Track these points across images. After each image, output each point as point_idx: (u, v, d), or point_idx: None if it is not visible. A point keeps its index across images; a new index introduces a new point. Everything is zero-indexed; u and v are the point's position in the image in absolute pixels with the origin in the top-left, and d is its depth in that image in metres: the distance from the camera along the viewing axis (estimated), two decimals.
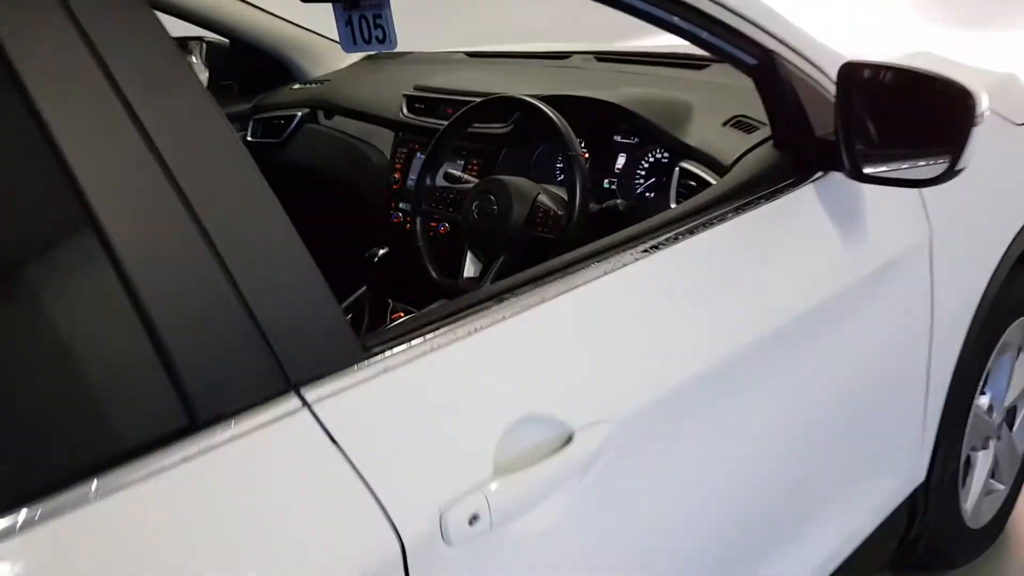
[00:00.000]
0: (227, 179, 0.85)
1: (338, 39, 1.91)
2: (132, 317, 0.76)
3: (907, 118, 1.31)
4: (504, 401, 1.00)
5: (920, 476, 1.83)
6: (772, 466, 1.37)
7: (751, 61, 1.42)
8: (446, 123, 2.00)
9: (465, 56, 2.54)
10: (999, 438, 2.22)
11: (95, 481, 0.74)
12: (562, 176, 1.98)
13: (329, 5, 1.86)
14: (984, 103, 1.24)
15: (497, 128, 2.05)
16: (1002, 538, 2.34)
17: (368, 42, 1.88)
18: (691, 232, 1.25)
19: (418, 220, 1.99)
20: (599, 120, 1.92)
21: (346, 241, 2.11)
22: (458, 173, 2.08)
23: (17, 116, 0.74)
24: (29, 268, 0.78)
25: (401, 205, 2.18)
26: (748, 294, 1.30)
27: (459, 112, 1.98)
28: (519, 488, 0.97)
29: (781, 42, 1.40)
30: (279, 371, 0.85)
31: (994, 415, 2.16)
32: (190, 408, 0.80)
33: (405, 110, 2.33)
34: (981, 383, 2.03)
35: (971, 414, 2.01)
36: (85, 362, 0.77)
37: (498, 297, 1.03)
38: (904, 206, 1.58)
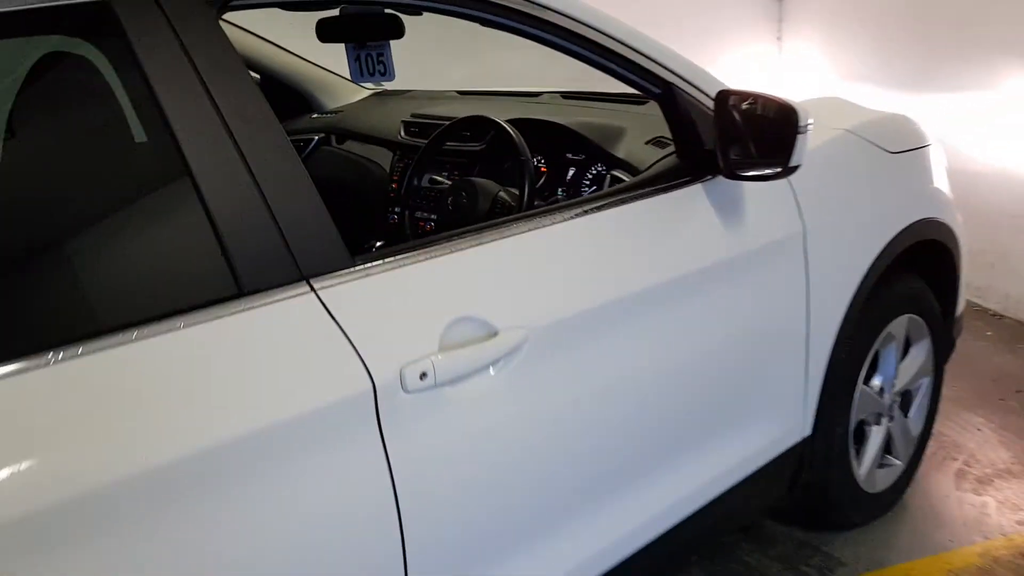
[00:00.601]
0: (271, 147, 1.33)
1: (349, 76, 2.41)
2: (209, 227, 1.24)
3: (762, 130, 1.78)
4: (450, 303, 1.46)
5: (806, 431, 2.25)
6: (656, 391, 1.80)
7: (656, 91, 1.90)
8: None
9: (456, 94, 3.04)
10: (892, 418, 2.64)
11: (182, 319, 1.21)
12: None
13: (342, 45, 2.37)
14: (805, 118, 1.71)
15: (474, 146, 2.53)
16: (899, 507, 2.75)
17: (372, 75, 2.37)
18: (602, 208, 1.72)
19: (406, 214, 2.47)
20: (556, 141, 2.40)
21: (352, 237, 2.58)
22: (439, 177, 2.56)
23: (159, 124, 1.24)
24: (161, 191, 1.28)
25: (396, 208, 2.66)
26: (645, 253, 1.76)
27: (443, 127, 2.47)
28: (455, 360, 1.42)
29: (677, 75, 1.88)
30: (296, 267, 1.32)
31: (885, 396, 2.59)
32: (239, 283, 1.26)
33: (402, 133, 2.84)
34: (867, 364, 2.46)
35: (857, 389, 2.44)
36: (185, 247, 1.26)
37: (453, 239, 1.50)
38: (781, 206, 2.04)
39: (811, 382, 2.22)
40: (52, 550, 1.05)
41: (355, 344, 1.33)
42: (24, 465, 1.05)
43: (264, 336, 1.28)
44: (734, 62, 5.13)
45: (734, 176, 1.85)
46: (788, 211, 2.06)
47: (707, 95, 1.91)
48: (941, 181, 2.64)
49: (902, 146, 2.47)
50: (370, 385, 1.33)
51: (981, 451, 3.03)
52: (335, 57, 2.60)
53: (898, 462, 2.73)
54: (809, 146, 1.88)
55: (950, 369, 2.88)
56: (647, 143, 2.19)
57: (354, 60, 2.35)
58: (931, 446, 2.94)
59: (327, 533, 1.32)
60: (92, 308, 1.25)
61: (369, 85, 3.27)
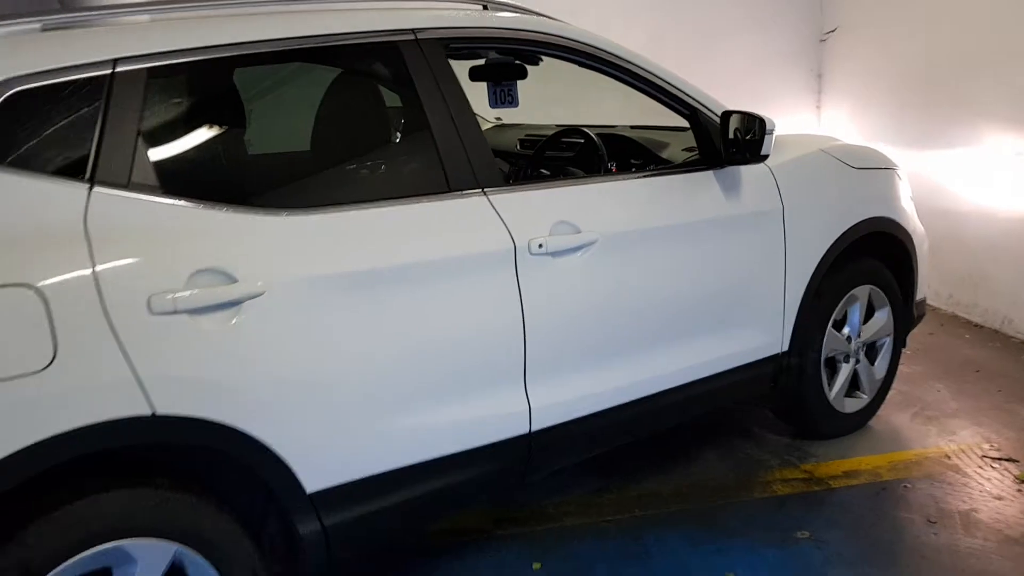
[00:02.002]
0: (472, 128, 2.53)
1: (488, 105, 3.63)
2: (439, 164, 2.45)
3: (746, 133, 2.93)
4: (557, 212, 2.62)
5: (784, 347, 3.33)
6: (652, 298, 2.89)
7: (687, 112, 3.08)
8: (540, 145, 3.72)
9: (555, 126, 4.25)
10: (858, 361, 3.69)
11: (431, 198, 2.42)
12: None
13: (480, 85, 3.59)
14: (771, 125, 2.87)
15: (568, 153, 3.71)
16: (864, 429, 3.77)
17: (503, 103, 3.59)
18: (653, 176, 2.89)
19: None
20: (623, 149, 3.56)
21: None
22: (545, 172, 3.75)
23: (418, 110, 2.46)
24: (416, 146, 2.50)
25: None
26: (677, 204, 2.91)
27: (547, 137, 3.68)
28: (557, 241, 2.58)
29: (699, 102, 3.06)
30: (476, 182, 2.52)
31: (852, 343, 3.64)
32: (449, 185, 2.47)
33: (518, 147, 4.06)
34: (835, 315, 3.52)
35: (827, 330, 3.50)
36: (429, 173, 2.48)
37: (561, 180, 2.70)
38: (767, 189, 3.17)
39: (787, 313, 3.31)
40: (355, 294, 2.23)
41: (506, 224, 2.51)
42: (357, 254, 2.24)
43: (460, 213, 2.46)
44: (781, 126, 6.26)
45: (731, 163, 3.01)
46: (771, 193, 3.19)
47: (716, 114, 3.08)
48: (899, 195, 3.71)
49: (864, 164, 3.59)
50: (512, 246, 2.50)
51: (935, 403, 4.04)
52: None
53: (865, 396, 3.77)
54: (789, 156, 3.06)
55: (927, 354, 3.93)
56: (683, 150, 3.36)
57: (492, 93, 3.58)
58: (896, 396, 3.96)
59: (490, 327, 2.48)
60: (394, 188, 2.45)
61: (495, 116, 4.50)
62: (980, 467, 3.43)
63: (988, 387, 4.20)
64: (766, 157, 2.96)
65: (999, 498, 3.20)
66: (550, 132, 3.89)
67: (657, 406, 2.95)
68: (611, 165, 3.43)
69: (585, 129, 3.48)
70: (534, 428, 2.61)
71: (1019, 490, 3.25)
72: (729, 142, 2.99)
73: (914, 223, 3.80)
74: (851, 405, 3.73)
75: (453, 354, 2.43)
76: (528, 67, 3.44)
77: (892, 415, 3.90)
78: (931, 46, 5.31)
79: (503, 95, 3.59)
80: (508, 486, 2.72)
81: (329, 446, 2.22)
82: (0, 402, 1.77)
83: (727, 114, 3.00)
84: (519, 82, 3.53)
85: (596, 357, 2.76)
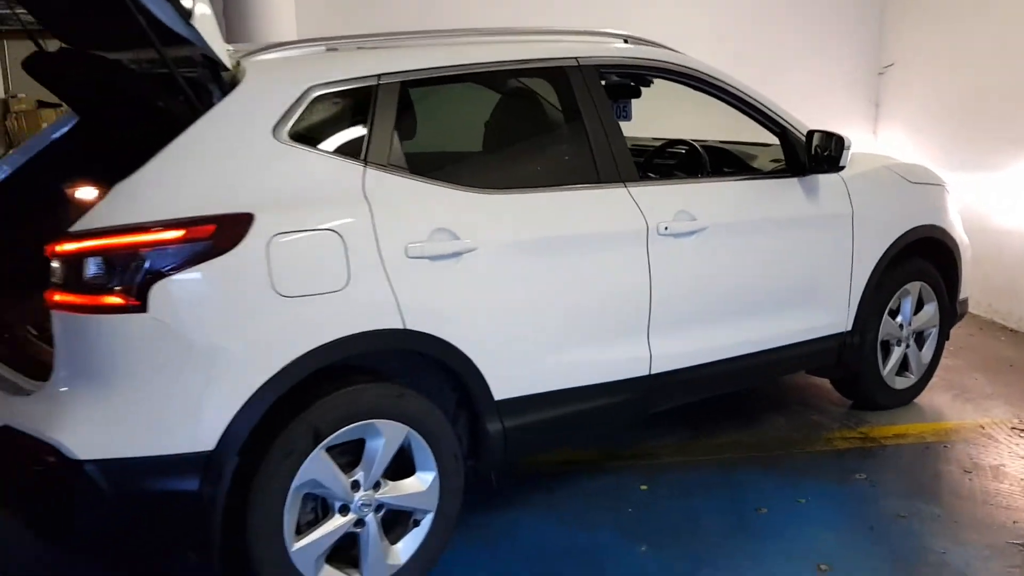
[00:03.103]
0: (617, 131, 3.29)
1: None
2: (590, 156, 3.20)
3: (826, 149, 3.65)
4: (679, 203, 3.36)
5: (847, 326, 4.02)
6: (748, 277, 3.61)
7: (778, 131, 3.81)
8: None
9: (652, 138, 4.99)
10: (908, 345, 4.39)
11: (583, 187, 3.18)
12: None
13: None
14: (849, 142, 3.59)
15: (671, 161, 4.44)
16: (911, 405, 4.46)
17: (619, 117, 4.33)
18: (749, 180, 3.63)
19: None
20: (718, 159, 4.27)
21: None
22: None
23: (575, 115, 3.23)
24: (569, 143, 3.27)
25: None
26: (768, 202, 3.64)
27: (656, 147, 4.41)
28: (678, 225, 3.32)
29: (788, 122, 3.79)
30: (620, 177, 3.27)
31: (903, 330, 4.34)
32: (599, 177, 3.23)
33: None
34: (892, 305, 4.22)
35: (884, 317, 4.20)
36: (577, 164, 3.23)
37: (681, 180, 3.44)
38: (841, 196, 3.88)
39: (852, 299, 4.00)
40: (534, 255, 2.98)
41: (641, 209, 3.25)
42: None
43: (608, 199, 3.21)
44: None
45: (812, 172, 3.73)
46: (843, 199, 3.90)
47: (801, 133, 3.81)
48: (948, 208, 4.40)
49: (919, 180, 4.29)
50: (645, 226, 3.25)
51: (973, 387, 4.72)
52: None
53: (912, 376, 4.45)
54: (858, 169, 3.78)
55: (967, 351, 4.63)
56: (771, 161, 4.08)
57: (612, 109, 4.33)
58: (939, 381, 4.63)
59: (626, 288, 3.22)
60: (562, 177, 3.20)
61: None
62: (1009, 435, 4.11)
63: (1021, 378, 4.86)
64: (843, 168, 3.68)
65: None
66: (648, 142, 4.62)
67: (746, 365, 3.67)
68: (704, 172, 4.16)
69: (690, 140, 4.21)
70: (652, 371, 3.35)
71: None
72: (812, 155, 3.72)
73: (959, 233, 4.49)
74: (900, 383, 4.41)
75: (600, 306, 3.18)
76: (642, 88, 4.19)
77: (935, 395, 4.58)
78: (979, 81, 5.99)
79: (620, 110, 4.35)
80: (629, 417, 3.44)
81: (512, 366, 2.97)
82: (319, 308, 2.54)
83: (812, 132, 3.72)
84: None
85: (701, 320, 3.49)
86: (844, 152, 3.62)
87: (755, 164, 4.13)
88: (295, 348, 2.52)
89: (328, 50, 2.93)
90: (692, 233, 3.38)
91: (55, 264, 2.37)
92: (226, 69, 2.64)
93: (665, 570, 3.05)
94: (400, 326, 2.69)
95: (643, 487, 3.63)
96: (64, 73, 3.13)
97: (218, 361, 2.44)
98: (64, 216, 3.50)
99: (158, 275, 2.35)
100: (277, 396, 2.50)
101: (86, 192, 3.49)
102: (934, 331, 4.49)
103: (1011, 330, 5.75)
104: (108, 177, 3.36)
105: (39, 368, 2.61)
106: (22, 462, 2.43)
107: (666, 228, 3.29)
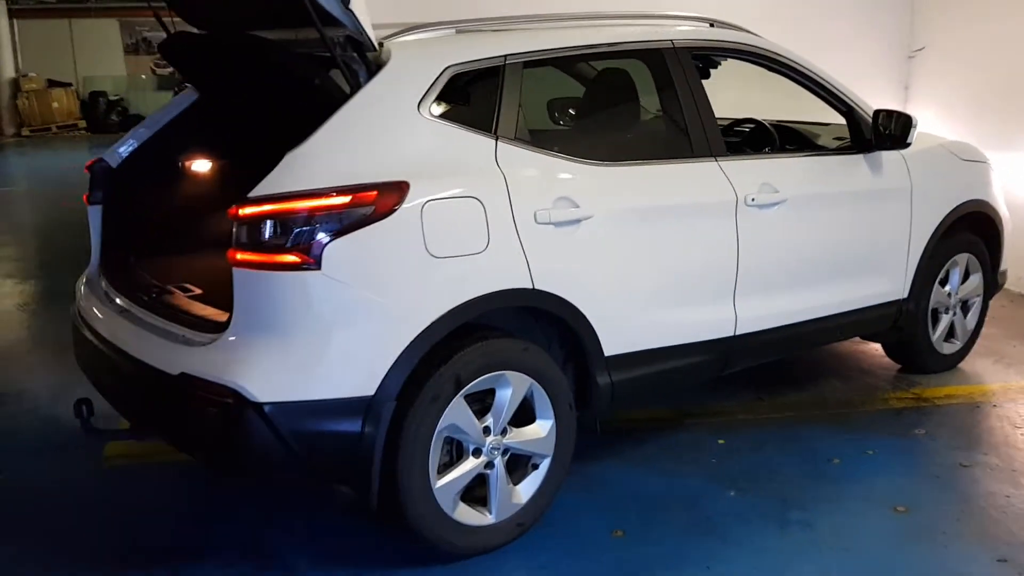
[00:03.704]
0: (708, 108, 3.55)
1: None
2: (703, 134, 3.46)
3: (896, 126, 3.92)
4: (763, 176, 3.62)
5: (904, 293, 4.31)
6: (820, 246, 3.89)
7: (844, 109, 4.08)
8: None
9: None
10: (955, 313, 4.68)
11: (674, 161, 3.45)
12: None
13: None
14: (916, 120, 3.86)
15: (735, 140, 4.69)
16: (957, 369, 4.76)
17: None
18: (820, 155, 3.90)
19: None
20: (786, 137, 4.51)
21: None
22: None
23: (672, 95, 3.49)
24: (663, 122, 3.53)
25: None
26: (837, 175, 3.92)
27: (730, 123, 4.66)
28: (762, 196, 3.59)
29: (854, 102, 4.06)
30: (712, 154, 3.54)
31: (951, 299, 4.63)
32: (693, 152, 3.50)
33: None
34: (941, 275, 4.51)
35: (934, 286, 4.48)
36: (674, 143, 3.50)
37: (765, 155, 3.71)
38: (901, 172, 4.16)
39: (909, 267, 4.29)
40: (641, 221, 3.25)
41: (731, 181, 3.52)
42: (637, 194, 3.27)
43: (702, 172, 3.47)
44: None
45: (879, 148, 4.00)
46: (903, 175, 4.17)
47: (867, 112, 4.07)
48: (992, 184, 4.69)
49: (969, 157, 4.57)
50: (735, 197, 3.51)
51: (1012, 354, 5.02)
52: None
53: (958, 343, 4.75)
54: (916, 148, 4.04)
55: (1002, 321, 4.97)
56: (834, 139, 4.35)
57: None
58: (980, 348, 4.92)
59: (717, 253, 3.49)
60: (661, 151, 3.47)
61: None
62: None
63: None
64: (909, 145, 3.95)
65: None
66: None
67: (816, 328, 3.95)
68: (767, 149, 4.43)
69: (758, 119, 4.47)
70: (737, 332, 3.62)
71: None
72: (879, 133, 3.98)
73: (1002, 207, 4.77)
74: (948, 348, 4.71)
75: (695, 270, 3.45)
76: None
77: (978, 361, 4.87)
78: (1008, 66, 6.26)
79: None
80: (714, 374, 3.72)
81: (620, 324, 3.24)
82: (465, 267, 2.80)
83: (879, 111, 3.99)
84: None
85: (780, 286, 3.76)
86: (911, 131, 3.89)
87: (819, 142, 4.40)
88: (444, 303, 2.78)
89: (457, 32, 3.18)
90: (774, 204, 3.64)
91: (237, 226, 2.61)
92: (373, 50, 2.88)
93: (755, 510, 3.33)
94: (530, 286, 2.96)
95: (720, 441, 3.91)
96: (203, 53, 3.36)
97: (380, 315, 2.70)
98: (202, 186, 3.78)
99: (330, 236, 2.60)
100: (430, 346, 2.76)
101: (216, 163, 3.76)
102: (978, 300, 4.78)
103: None
104: (237, 148, 3.65)
105: (201, 323, 2.88)
106: (200, 405, 2.68)
107: (752, 199, 3.56)
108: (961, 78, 6.82)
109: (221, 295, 3.15)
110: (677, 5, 4.88)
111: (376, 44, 2.87)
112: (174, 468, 3.69)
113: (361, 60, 2.88)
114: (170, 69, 21.72)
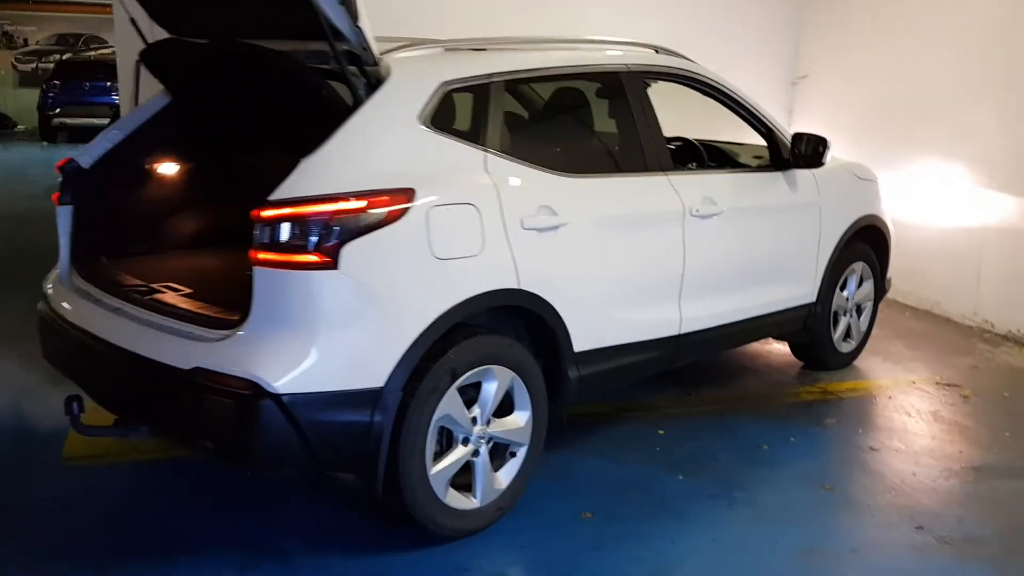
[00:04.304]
0: (656, 127, 3.91)
1: None
2: (639, 145, 3.81)
3: (810, 148, 4.39)
4: (704, 190, 4.01)
5: (813, 297, 4.80)
6: (749, 254, 4.31)
7: (764, 131, 4.52)
8: None
9: None
10: (851, 316, 5.21)
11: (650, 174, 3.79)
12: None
13: None
14: (829, 144, 4.34)
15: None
16: (852, 367, 5.30)
17: None
18: (740, 172, 4.32)
19: None
20: (712, 153, 4.92)
21: None
22: None
23: (627, 114, 3.83)
24: (616, 136, 3.87)
25: None
26: (755, 192, 4.35)
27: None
28: (705, 208, 3.97)
29: (774, 125, 4.51)
30: (662, 168, 3.90)
31: (849, 302, 5.16)
32: (646, 166, 3.85)
33: None
34: (840, 281, 5.03)
35: (836, 291, 5.00)
36: (623, 152, 3.85)
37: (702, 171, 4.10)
38: (811, 187, 4.64)
39: (818, 274, 4.78)
40: (608, 228, 3.56)
41: (679, 194, 3.88)
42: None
43: (654, 185, 3.82)
44: None
45: (794, 167, 4.46)
46: (814, 190, 4.65)
47: (785, 135, 4.53)
48: (881, 200, 5.26)
49: (864, 176, 5.12)
50: (683, 208, 3.88)
51: (895, 353, 5.61)
52: None
53: (853, 342, 5.29)
54: (825, 167, 4.51)
55: (881, 325, 5.51)
56: (753, 157, 4.79)
57: None
58: (869, 348, 5.48)
59: (668, 258, 3.84)
60: (620, 165, 3.79)
61: None
62: (936, 389, 4.99)
63: (929, 345, 5.81)
64: (823, 164, 4.43)
65: (952, 404, 4.76)
66: None
67: (743, 328, 4.37)
68: (692, 164, 4.84)
69: (687, 137, 4.87)
70: (681, 331, 3.98)
71: (965, 399, 4.82)
72: (797, 153, 4.44)
73: (888, 221, 5.35)
74: (845, 347, 5.24)
75: (650, 274, 3.80)
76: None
77: (868, 359, 5.43)
78: (883, 92, 6.96)
79: None
80: (661, 370, 4.07)
81: (588, 321, 3.53)
82: (463, 268, 3.04)
83: (798, 134, 4.45)
84: None
85: (715, 289, 4.15)
86: (826, 152, 4.37)
87: (740, 160, 4.84)
88: (446, 301, 3.01)
89: (446, 51, 3.40)
90: (713, 216, 4.03)
91: (259, 227, 2.76)
92: (373, 65, 3.08)
93: (703, 492, 3.68)
94: (516, 286, 3.21)
95: (660, 431, 4.26)
96: (198, 60, 3.45)
97: (390, 311, 2.90)
98: (174, 188, 3.86)
99: (346, 238, 2.78)
100: (431, 341, 2.98)
101: (189, 166, 3.85)
102: (869, 304, 5.33)
103: (912, 307, 6.73)
104: (214, 153, 3.77)
105: (209, 319, 2.99)
106: (217, 397, 2.80)
107: (696, 211, 3.93)
108: (839, 105, 7.49)
109: (211, 292, 3.28)
110: (586, 29, 5.27)
111: (377, 59, 3.07)
112: (140, 467, 3.75)
113: (361, 74, 3.06)
114: (32, 65, 20.83)
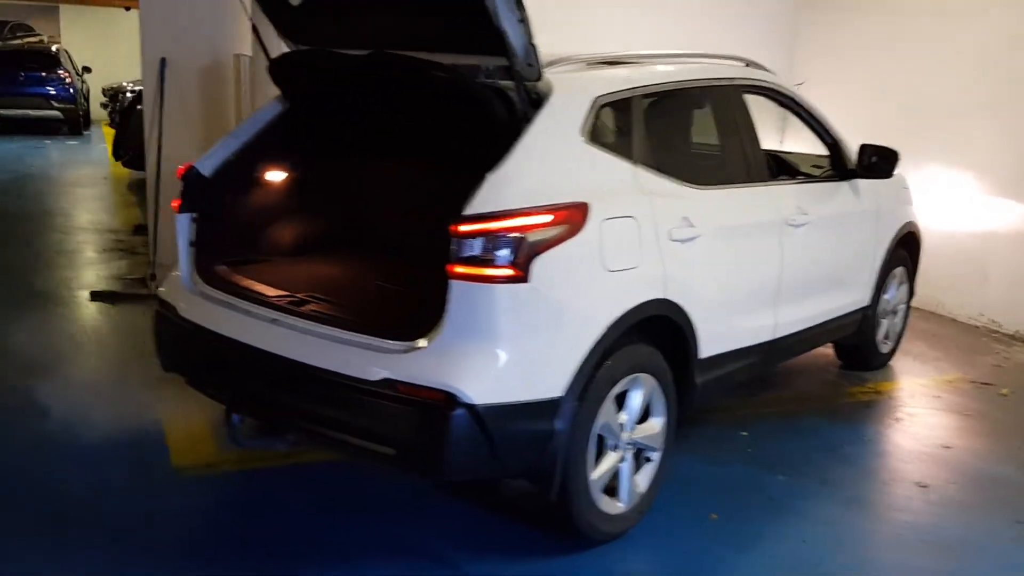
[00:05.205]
0: (753, 136, 4.06)
1: None
2: (743, 152, 3.96)
3: (880, 159, 4.61)
4: (796, 201, 4.18)
5: (868, 301, 5.04)
6: (820, 263, 4.51)
7: (831, 141, 4.73)
8: None
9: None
10: (890, 318, 5.47)
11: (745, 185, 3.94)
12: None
13: None
14: (898, 155, 4.56)
15: None
16: (889, 366, 5.57)
17: None
18: (810, 183, 4.51)
19: None
20: (781, 167, 5.10)
21: None
22: None
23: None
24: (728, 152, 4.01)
25: None
26: (835, 200, 4.54)
27: None
28: (797, 217, 4.14)
29: (838, 137, 4.71)
30: (761, 176, 4.05)
31: (889, 304, 5.42)
32: (750, 177, 4.00)
33: None
34: (884, 286, 5.28)
35: (881, 295, 5.25)
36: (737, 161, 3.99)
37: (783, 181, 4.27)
38: (868, 196, 4.86)
39: (873, 278, 5.02)
40: (729, 238, 3.69)
41: (776, 204, 4.04)
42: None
43: (759, 195, 3.97)
44: None
45: (867, 176, 4.67)
46: (871, 199, 4.88)
47: (845, 145, 4.74)
48: (914, 207, 5.54)
49: (905, 184, 5.38)
50: (782, 218, 4.05)
51: (921, 353, 5.91)
52: None
53: (891, 343, 5.56)
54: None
55: (930, 327, 5.79)
56: (812, 166, 4.99)
57: None
58: (903, 350, 5.77)
59: (769, 266, 3.99)
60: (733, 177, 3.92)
61: None
62: (973, 387, 5.29)
63: (947, 345, 6.14)
64: (892, 176, 4.65)
65: (994, 401, 5.06)
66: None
67: (820, 331, 4.57)
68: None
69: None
70: (775, 336, 4.15)
71: (1004, 397, 5.12)
72: (865, 163, 4.65)
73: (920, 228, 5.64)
74: (885, 348, 5.50)
75: (756, 281, 3.95)
76: None
77: (901, 359, 5.71)
78: (879, 99, 7.28)
79: None
80: (756, 373, 4.24)
81: (712, 328, 3.65)
82: (626, 279, 3.13)
83: (865, 145, 4.66)
84: None
85: (801, 295, 4.33)
86: (896, 163, 4.59)
87: (801, 169, 5.03)
88: (614, 312, 3.09)
89: (588, 65, 3.48)
90: (803, 225, 4.20)
91: (456, 242, 2.80)
92: (534, 80, 3.12)
93: (807, 490, 3.86)
94: (664, 296, 3.32)
95: (743, 433, 4.42)
96: (339, 72, 3.44)
97: (571, 322, 2.97)
98: (293, 196, 3.84)
99: (537, 251, 2.85)
100: (602, 351, 3.06)
101: (308, 174, 3.84)
102: (903, 307, 5.61)
103: (917, 308, 7.06)
104: (337, 161, 3.81)
105: (389, 330, 2.98)
106: (409, 407, 2.83)
107: (792, 220, 4.10)
108: (836, 111, 7.74)
109: (354, 301, 3.31)
110: (587, 30, 5.33)
111: (541, 75, 3.11)
112: (254, 475, 3.72)
113: (524, 90, 3.11)
114: None
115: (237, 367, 3.26)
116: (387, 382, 2.85)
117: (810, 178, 4.69)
